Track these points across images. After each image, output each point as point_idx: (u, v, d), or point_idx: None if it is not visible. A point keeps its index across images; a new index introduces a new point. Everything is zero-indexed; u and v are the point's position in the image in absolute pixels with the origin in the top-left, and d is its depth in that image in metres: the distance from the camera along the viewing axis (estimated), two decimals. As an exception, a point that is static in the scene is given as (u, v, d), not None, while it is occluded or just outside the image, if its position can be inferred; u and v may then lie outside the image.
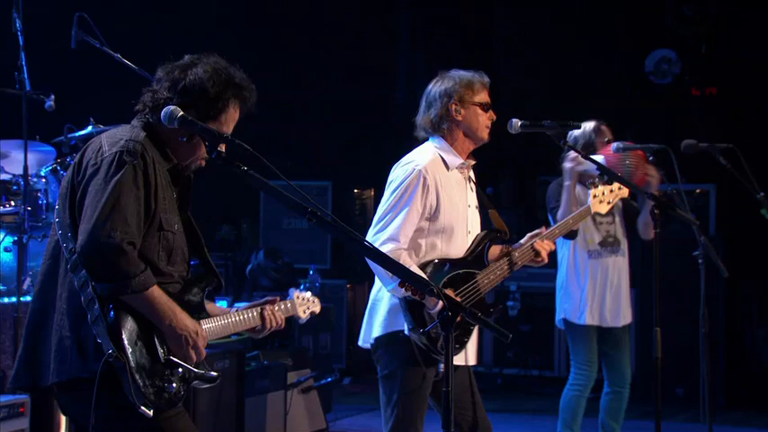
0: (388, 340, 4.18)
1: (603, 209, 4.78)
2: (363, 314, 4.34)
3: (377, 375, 4.25)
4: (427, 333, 4.03)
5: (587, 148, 5.60)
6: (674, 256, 5.87)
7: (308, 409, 6.68)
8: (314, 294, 3.95)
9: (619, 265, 5.76)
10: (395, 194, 4.17)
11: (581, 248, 5.71)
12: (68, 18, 5.74)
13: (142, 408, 3.12)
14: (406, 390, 4.12)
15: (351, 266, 9.93)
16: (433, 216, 4.20)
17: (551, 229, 4.53)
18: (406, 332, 4.07)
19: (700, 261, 5.07)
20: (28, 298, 5.41)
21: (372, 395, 9.03)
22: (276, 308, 3.67)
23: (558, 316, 5.86)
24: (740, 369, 8.84)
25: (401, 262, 4.02)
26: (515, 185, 10.46)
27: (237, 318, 3.56)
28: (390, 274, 3.98)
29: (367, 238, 4.15)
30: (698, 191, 8.89)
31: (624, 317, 5.77)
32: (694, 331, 5.22)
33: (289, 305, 3.76)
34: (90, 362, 3.14)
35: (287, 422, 6.39)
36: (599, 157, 5.26)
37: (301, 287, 3.93)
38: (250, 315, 3.59)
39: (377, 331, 4.21)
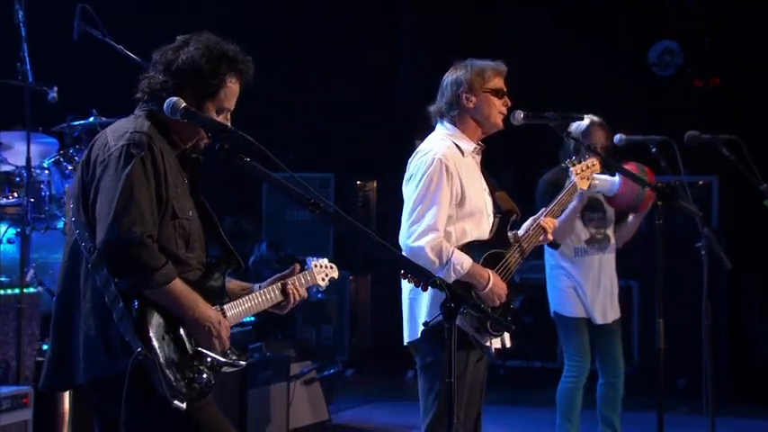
0: (435, 332, 4.16)
1: (585, 184, 4.73)
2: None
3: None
4: (477, 317, 4.05)
5: (576, 151, 5.57)
6: (676, 248, 5.86)
7: (311, 401, 6.69)
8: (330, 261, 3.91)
9: (606, 263, 5.74)
10: (421, 185, 4.16)
11: (567, 246, 5.70)
12: (71, 9, 5.74)
13: (175, 402, 3.11)
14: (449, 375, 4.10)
15: (353, 258, 9.92)
16: (460, 202, 4.21)
17: (550, 207, 4.53)
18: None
19: (702, 253, 5.07)
20: (31, 289, 5.42)
21: (375, 387, 9.08)
22: (297, 281, 3.64)
23: (551, 308, 5.87)
24: (742, 361, 8.83)
25: (443, 249, 4.07)
26: (516, 177, 10.45)
27: (260, 297, 3.53)
28: (438, 263, 4.02)
29: (402, 232, 4.16)
30: (700, 182, 8.88)
31: (614, 312, 5.77)
32: (696, 323, 5.21)
33: (308, 275, 3.74)
34: (118, 360, 3.13)
35: (289, 414, 6.40)
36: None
37: (316, 256, 3.90)
38: (272, 293, 3.56)
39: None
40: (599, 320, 5.69)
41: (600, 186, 5.41)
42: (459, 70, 4.32)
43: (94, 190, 3.21)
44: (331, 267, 3.86)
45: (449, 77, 4.34)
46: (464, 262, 4.09)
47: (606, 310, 5.73)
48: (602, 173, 5.09)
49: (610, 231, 5.78)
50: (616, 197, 5.54)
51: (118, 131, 3.27)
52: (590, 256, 5.70)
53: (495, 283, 4.14)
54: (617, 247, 5.81)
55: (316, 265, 3.80)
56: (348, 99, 10.37)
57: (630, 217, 5.76)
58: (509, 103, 4.36)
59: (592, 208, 5.69)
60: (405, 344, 4.33)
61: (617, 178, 5.40)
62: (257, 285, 3.58)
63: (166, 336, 3.17)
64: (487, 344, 4.24)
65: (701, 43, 10.09)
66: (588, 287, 5.68)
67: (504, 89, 4.35)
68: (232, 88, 3.38)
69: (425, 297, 4.17)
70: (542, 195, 5.58)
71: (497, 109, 4.32)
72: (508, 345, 4.39)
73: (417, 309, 4.22)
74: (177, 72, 3.31)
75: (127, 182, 3.13)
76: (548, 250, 5.79)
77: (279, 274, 3.64)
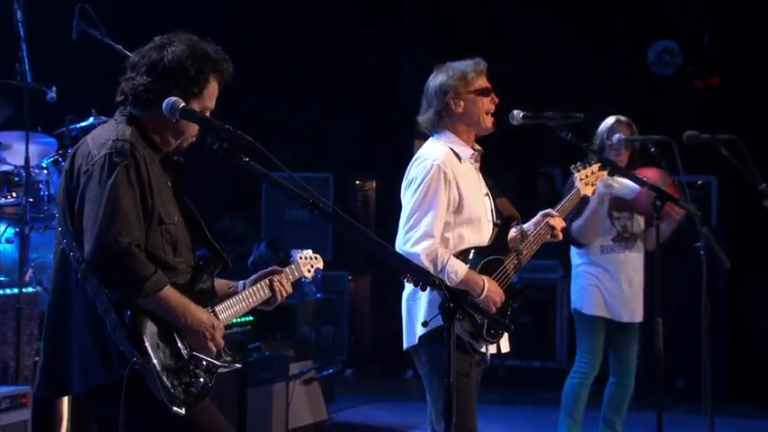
0: (432, 336, 4.11)
1: (589, 191, 4.73)
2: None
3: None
4: (473, 323, 4.06)
5: (601, 149, 5.57)
6: (675, 248, 5.86)
7: (310, 401, 6.69)
8: (316, 263, 3.90)
9: (633, 261, 5.75)
10: (419, 192, 4.16)
11: (594, 244, 5.71)
12: (70, 9, 5.73)
13: (174, 408, 3.12)
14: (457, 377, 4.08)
15: (353, 258, 9.92)
16: (458, 208, 4.20)
17: (560, 205, 4.53)
18: None
19: (702, 253, 5.06)
20: (30, 289, 5.41)
21: (374, 386, 9.08)
22: (284, 276, 3.65)
23: (572, 305, 5.89)
24: (742, 361, 8.83)
25: (438, 256, 4.07)
26: (516, 177, 10.45)
27: (249, 296, 3.54)
28: (433, 270, 3.99)
29: (398, 238, 4.16)
30: (700, 182, 8.88)
31: (637, 314, 5.76)
32: (696, 323, 5.20)
33: (294, 268, 3.75)
34: (114, 369, 3.13)
35: (289, 413, 6.40)
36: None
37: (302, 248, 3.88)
38: (262, 291, 3.57)
39: (420, 330, 4.17)
40: (621, 318, 5.70)
41: (619, 190, 5.45)
42: (441, 75, 4.30)
43: (80, 200, 3.19)
44: (316, 258, 3.87)
45: (432, 84, 4.32)
46: (459, 270, 4.09)
47: (629, 308, 5.72)
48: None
49: (638, 232, 5.78)
50: (635, 202, 5.56)
51: (99, 139, 3.25)
52: (616, 253, 5.72)
53: (490, 290, 4.13)
54: (647, 248, 5.81)
55: (301, 257, 3.81)
56: (348, 99, 10.36)
57: (663, 224, 5.73)
58: (496, 100, 4.33)
59: (619, 207, 5.70)
60: (404, 349, 4.32)
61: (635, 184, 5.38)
62: (241, 283, 3.58)
63: (161, 343, 3.17)
64: (483, 350, 4.23)
65: (701, 43, 10.08)
66: (612, 283, 5.69)
67: (489, 86, 4.33)
68: (214, 86, 3.39)
69: (423, 302, 4.16)
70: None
71: (485, 108, 4.30)
72: (505, 350, 4.36)
73: (415, 313, 4.21)
74: (164, 73, 3.30)
75: (111, 192, 3.12)
76: (574, 249, 5.81)
77: (263, 271, 3.64)
